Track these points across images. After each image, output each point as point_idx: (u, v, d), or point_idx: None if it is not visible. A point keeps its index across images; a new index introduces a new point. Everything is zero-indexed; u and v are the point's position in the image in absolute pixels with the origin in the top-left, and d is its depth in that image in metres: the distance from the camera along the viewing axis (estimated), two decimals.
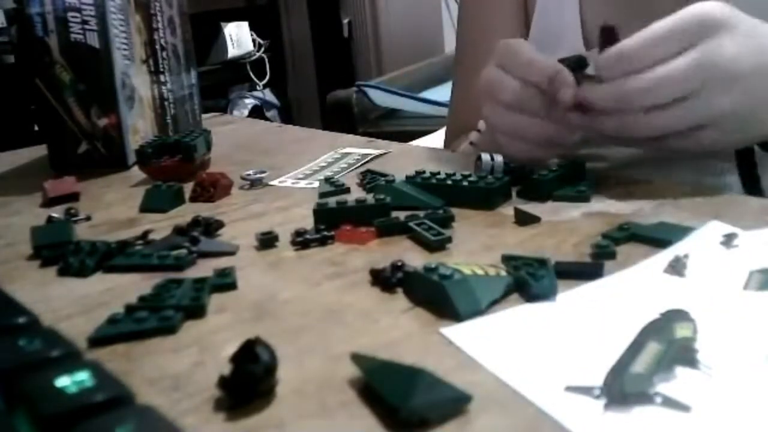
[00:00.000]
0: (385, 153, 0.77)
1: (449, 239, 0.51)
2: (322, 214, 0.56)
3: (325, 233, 0.53)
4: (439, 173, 0.61)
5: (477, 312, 0.41)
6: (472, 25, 0.91)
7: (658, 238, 0.49)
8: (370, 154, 0.77)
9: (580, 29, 0.81)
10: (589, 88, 0.58)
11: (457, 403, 0.33)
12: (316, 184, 0.68)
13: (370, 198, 0.57)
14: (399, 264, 0.46)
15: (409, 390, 0.32)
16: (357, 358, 0.36)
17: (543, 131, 0.61)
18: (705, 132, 0.57)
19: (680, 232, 0.49)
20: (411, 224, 0.53)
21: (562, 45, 0.79)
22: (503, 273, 0.44)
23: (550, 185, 0.59)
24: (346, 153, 0.79)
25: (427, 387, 0.33)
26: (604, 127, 0.58)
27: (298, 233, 0.53)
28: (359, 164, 0.74)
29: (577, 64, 0.59)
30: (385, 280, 0.45)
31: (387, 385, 0.33)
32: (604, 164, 0.73)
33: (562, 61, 0.59)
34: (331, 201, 0.57)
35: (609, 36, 0.58)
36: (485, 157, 0.63)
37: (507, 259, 0.46)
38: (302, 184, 0.69)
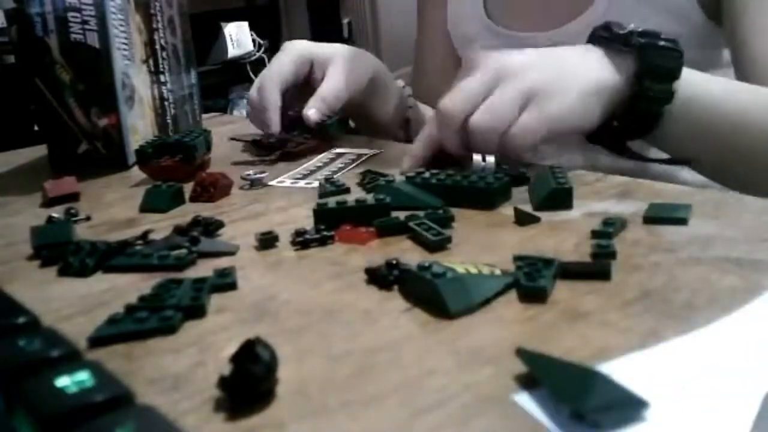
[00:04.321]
0: (379, 152, 0.77)
1: (449, 239, 0.51)
2: (322, 214, 0.56)
3: (325, 233, 0.53)
4: (439, 173, 0.61)
5: (468, 310, 0.41)
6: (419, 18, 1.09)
7: (669, 217, 0.53)
8: (365, 154, 0.77)
9: (482, 7, 0.95)
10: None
11: (635, 408, 0.31)
12: (316, 183, 0.68)
13: (370, 198, 0.57)
14: (394, 262, 0.46)
15: (583, 391, 0.31)
16: (522, 353, 0.35)
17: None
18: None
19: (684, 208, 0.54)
20: (411, 224, 0.53)
21: (468, 24, 0.95)
22: (498, 272, 0.44)
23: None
24: (341, 153, 0.79)
25: (603, 389, 0.31)
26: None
27: (298, 233, 0.53)
28: (355, 164, 0.74)
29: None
30: (381, 278, 0.45)
31: (558, 383, 0.33)
32: (593, 166, 0.73)
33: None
34: (331, 201, 0.57)
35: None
36: (476, 157, 0.64)
37: (516, 259, 0.46)
38: (302, 183, 0.69)
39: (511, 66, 0.64)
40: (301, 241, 0.53)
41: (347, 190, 0.65)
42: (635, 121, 0.67)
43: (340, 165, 0.74)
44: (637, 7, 0.81)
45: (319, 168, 0.74)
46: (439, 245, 0.50)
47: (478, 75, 0.65)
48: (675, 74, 0.65)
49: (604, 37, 0.67)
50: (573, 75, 0.65)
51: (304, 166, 0.75)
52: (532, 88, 0.63)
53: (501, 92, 0.63)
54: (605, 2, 0.83)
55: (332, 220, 0.55)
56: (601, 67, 0.65)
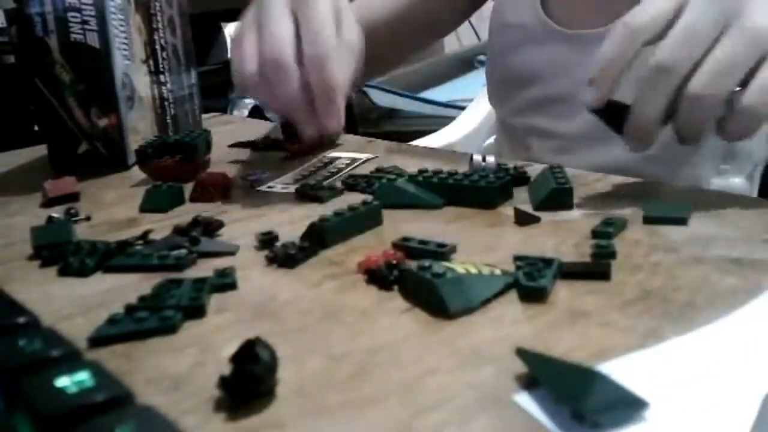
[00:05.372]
0: (374, 157, 0.77)
1: (454, 249, 0.50)
2: (314, 235, 0.53)
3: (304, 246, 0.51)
4: (440, 172, 0.61)
5: (468, 309, 0.41)
6: None
7: (669, 216, 0.52)
8: (359, 159, 0.77)
9: (538, 3, 0.87)
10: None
11: (635, 408, 0.31)
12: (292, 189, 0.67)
13: (360, 206, 0.55)
14: (394, 262, 0.46)
15: (583, 391, 0.31)
16: (522, 353, 0.35)
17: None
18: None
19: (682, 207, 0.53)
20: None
21: (521, 17, 0.87)
22: (498, 272, 0.44)
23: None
24: (335, 157, 0.78)
25: (603, 389, 0.31)
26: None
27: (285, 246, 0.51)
28: (348, 168, 0.74)
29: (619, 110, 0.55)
30: (381, 278, 0.45)
31: (558, 383, 0.33)
32: (606, 167, 0.73)
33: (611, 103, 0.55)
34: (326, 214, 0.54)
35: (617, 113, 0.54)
36: (476, 157, 0.64)
37: (516, 259, 0.46)
38: (291, 189, 0.67)
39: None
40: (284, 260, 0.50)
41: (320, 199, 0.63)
42: None
43: (333, 170, 0.74)
44: None
45: (312, 173, 0.73)
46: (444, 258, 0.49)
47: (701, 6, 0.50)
48: None
49: None
50: None
51: (296, 171, 0.74)
52: None
53: (731, 40, 0.49)
54: None
55: (325, 237, 0.53)
56: None
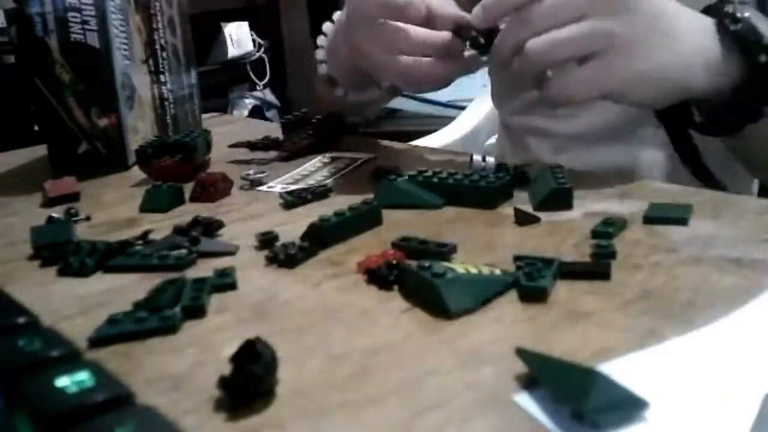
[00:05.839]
0: (373, 156, 0.77)
1: (455, 248, 0.50)
2: (314, 235, 0.53)
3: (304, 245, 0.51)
4: (441, 172, 0.61)
5: (468, 309, 0.41)
6: None
7: (669, 216, 0.53)
8: (360, 158, 0.77)
9: None
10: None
11: (635, 408, 0.31)
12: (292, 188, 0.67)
13: (361, 207, 0.55)
14: (394, 262, 0.46)
15: (583, 391, 0.31)
16: (522, 353, 0.35)
17: (430, 37, 0.65)
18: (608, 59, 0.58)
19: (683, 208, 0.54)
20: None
21: None
22: (498, 272, 0.44)
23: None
24: (336, 157, 0.78)
25: (603, 389, 0.31)
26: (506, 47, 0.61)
27: (285, 246, 0.51)
28: (348, 168, 0.74)
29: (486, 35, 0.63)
30: (381, 278, 0.45)
31: (558, 383, 0.33)
32: (593, 167, 0.73)
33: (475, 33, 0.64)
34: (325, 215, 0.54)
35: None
36: (476, 157, 0.64)
37: (516, 259, 0.46)
38: (291, 189, 0.67)
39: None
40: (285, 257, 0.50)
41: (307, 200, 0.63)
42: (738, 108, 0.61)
43: (333, 170, 0.74)
44: None
45: (312, 173, 0.73)
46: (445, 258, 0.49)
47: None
48: None
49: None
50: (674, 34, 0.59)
51: (297, 170, 0.74)
52: (616, 37, 0.57)
53: (579, 28, 0.57)
54: None
55: (325, 237, 0.53)
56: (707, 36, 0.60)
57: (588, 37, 0.58)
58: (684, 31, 0.60)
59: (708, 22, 0.61)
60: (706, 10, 0.62)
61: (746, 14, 0.60)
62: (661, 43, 0.59)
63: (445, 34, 0.65)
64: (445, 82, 0.69)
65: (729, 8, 0.61)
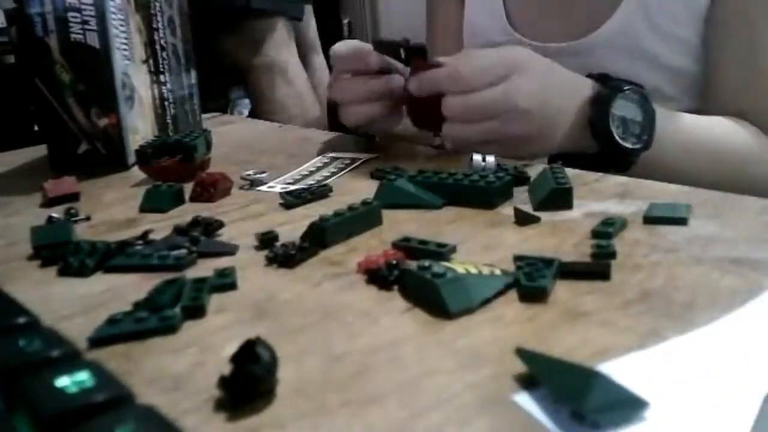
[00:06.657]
0: (375, 156, 0.77)
1: (455, 248, 0.50)
2: (314, 235, 0.53)
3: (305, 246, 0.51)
4: (441, 172, 0.61)
5: (468, 310, 0.41)
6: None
7: (669, 216, 0.53)
8: (360, 158, 0.77)
9: (504, 18, 0.97)
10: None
11: (635, 408, 0.31)
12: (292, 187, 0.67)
13: (360, 207, 0.55)
14: (394, 262, 0.46)
15: (583, 391, 0.31)
16: (522, 353, 0.35)
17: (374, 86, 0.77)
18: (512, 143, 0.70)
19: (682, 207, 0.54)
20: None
21: (491, 34, 0.98)
22: (498, 272, 0.44)
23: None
24: (336, 157, 0.78)
25: (603, 389, 0.31)
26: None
27: (284, 246, 0.51)
28: (348, 168, 0.74)
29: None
30: (381, 278, 0.45)
31: (558, 383, 0.33)
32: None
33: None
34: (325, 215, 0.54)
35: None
36: (476, 157, 0.64)
37: (516, 259, 0.46)
38: (291, 189, 0.67)
39: (518, 94, 0.68)
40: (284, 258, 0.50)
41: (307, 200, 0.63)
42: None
43: (333, 170, 0.74)
44: (647, 29, 0.86)
45: (312, 173, 0.73)
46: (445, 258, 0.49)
47: (496, 72, 0.68)
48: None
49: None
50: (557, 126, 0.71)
51: (297, 170, 0.74)
52: (514, 135, 0.69)
53: (490, 125, 0.68)
54: (622, 16, 0.87)
55: (324, 237, 0.53)
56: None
57: (493, 132, 0.69)
58: (562, 124, 0.72)
59: (584, 114, 0.72)
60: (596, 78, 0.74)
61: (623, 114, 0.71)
62: (546, 135, 0.71)
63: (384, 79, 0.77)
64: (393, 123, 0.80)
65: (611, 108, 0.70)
